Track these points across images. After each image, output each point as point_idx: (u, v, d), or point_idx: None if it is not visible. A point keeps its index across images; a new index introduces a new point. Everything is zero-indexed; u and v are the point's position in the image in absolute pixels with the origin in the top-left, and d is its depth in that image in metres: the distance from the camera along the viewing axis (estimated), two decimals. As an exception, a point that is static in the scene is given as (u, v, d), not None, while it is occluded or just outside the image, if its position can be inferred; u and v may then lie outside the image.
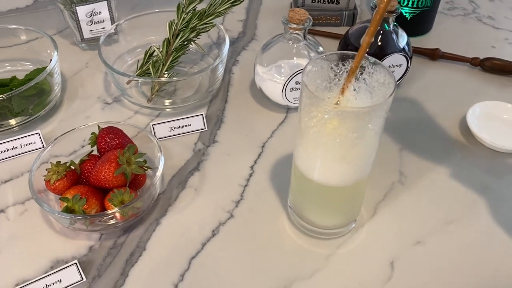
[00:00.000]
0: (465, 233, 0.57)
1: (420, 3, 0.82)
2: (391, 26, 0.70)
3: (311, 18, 0.66)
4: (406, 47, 0.71)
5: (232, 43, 0.85)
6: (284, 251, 0.55)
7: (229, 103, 0.74)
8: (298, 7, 0.89)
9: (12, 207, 0.58)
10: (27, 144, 0.64)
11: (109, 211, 0.52)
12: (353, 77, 0.44)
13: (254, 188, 0.61)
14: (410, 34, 0.85)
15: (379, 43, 0.70)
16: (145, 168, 0.58)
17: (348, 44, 0.73)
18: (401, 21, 0.84)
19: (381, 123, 0.45)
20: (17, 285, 0.50)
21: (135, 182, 0.57)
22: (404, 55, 0.71)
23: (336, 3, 0.88)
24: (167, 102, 0.72)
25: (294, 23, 0.65)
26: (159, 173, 0.55)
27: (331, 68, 0.47)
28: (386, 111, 0.44)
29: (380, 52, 0.70)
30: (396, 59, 0.71)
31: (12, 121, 0.67)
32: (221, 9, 0.73)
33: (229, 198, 0.60)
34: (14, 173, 0.62)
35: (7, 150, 0.63)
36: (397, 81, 0.74)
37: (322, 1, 0.88)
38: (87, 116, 0.71)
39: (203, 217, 0.58)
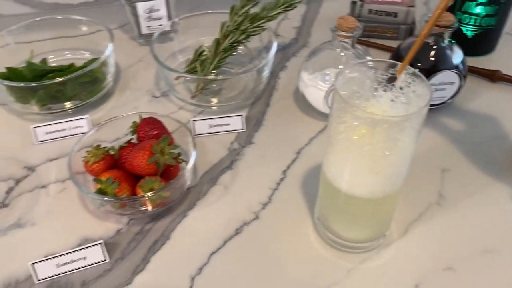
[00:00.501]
0: (501, 265, 0.53)
1: (483, 21, 0.78)
2: (445, 41, 0.67)
3: (360, 26, 0.65)
4: (461, 65, 0.68)
5: (283, 48, 0.86)
6: (305, 259, 0.53)
7: (270, 107, 0.74)
8: (354, 17, 0.88)
9: (54, 184, 0.62)
10: (75, 127, 0.68)
11: (137, 196, 0.53)
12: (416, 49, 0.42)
13: (283, 192, 0.61)
14: (470, 53, 0.81)
15: (432, 58, 0.68)
16: (179, 161, 0.59)
17: (399, 57, 0.71)
18: (461, 39, 0.80)
19: (413, 136, 0.43)
20: (46, 256, 0.52)
21: (168, 173, 0.58)
22: (457, 73, 0.68)
23: (393, 16, 0.86)
24: (210, 100, 0.74)
25: (343, 31, 0.64)
26: (189, 166, 0.56)
27: (369, 76, 0.46)
28: (419, 124, 0.42)
29: (432, 67, 0.68)
30: (448, 76, 0.68)
31: (68, 104, 0.71)
32: (273, 13, 0.74)
33: (257, 199, 0.60)
34: (60, 152, 0.66)
35: (57, 131, 0.67)
36: (449, 99, 0.71)
37: (379, 13, 0.86)
38: (134, 107, 0.74)
39: (228, 214, 0.58)
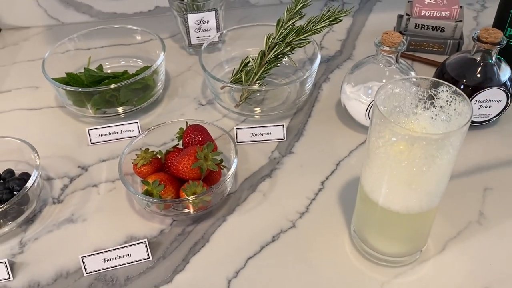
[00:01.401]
0: (543, 289, 0.51)
1: (535, 38, 0.77)
2: (493, 58, 0.67)
3: (405, 42, 0.65)
4: (508, 83, 0.67)
5: (326, 60, 0.87)
6: (339, 270, 0.54)
7: (312, 118, 0.75)
8: (400, 32, 0.88)
9: (104, 184, 0.66)
10: (126, 131, 0.72)
11: (180, 199, 0.56)
12: None
13: (321, 203, 0.62)
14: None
15: (478, 75, 0.67)
16: (221, 167, 0.62)
17: (444, 73, 0.70)
18: (509, 53, 0.79)
19: (452, 154, 0.43)
20: (94, 251, 0.56)
21: (210, 178, 0.61)
22: (504, 91, 0.66)
23: (441, 31, 0.85)
24: (254, 109, 0.76)
25: (387, 46, 0.65)
26: (230, 172, 0.59)
27: (411, 92, 0.46)
28: (458, 142, 0.43)
29: (478, 84, 0.67)
30: (494, 94, 0.67)
31: (119, 109, 0.76)
32: (319, 26, 0.76)
33: (294, 208, 0.61)
34: (111, 154, 0.70)
35: (109, 134, 0.72)
36: (494, 117, 0.70)
37: (426, 28, 0.85)
38: (181, 113, 0.78)
39: (266, 221, 0.60)
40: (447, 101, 0.45)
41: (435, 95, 0.46)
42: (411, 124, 0.46)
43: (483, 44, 0.65)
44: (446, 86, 0.45)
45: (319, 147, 0.70)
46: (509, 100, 0.68)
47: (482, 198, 0.62)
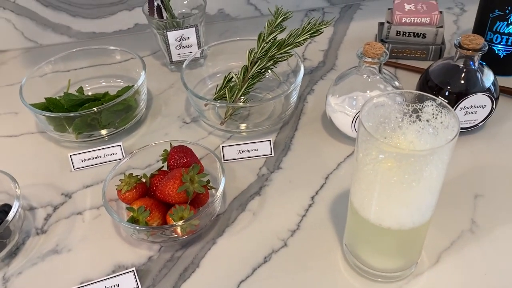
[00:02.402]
0: (539, 297, 0.51)
1: (515, 41, 0.77)
2: (476, 64, 0.67)
3: (387, 52, 0.65)
4: (492, 88, 0.67)
5: (310, 72, 0.87)
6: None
7: (298, 131, 0.74)
8: (382, 39, 0.88)
9: (89, 211, 0.64)
10: (110, 154, 0.70)
11: (167, 225, 0.55)
12: None
13: (312, 219, 0.61)
14: (502, 73, 0.80)
15: (462, 82, 0.67)
16: (209, 188, 0.60)
17: (428, 80, 0.70)
18: (493, 59, 0.79)
19: (441, 168, 0.43)
20: (82, 283, 0.54)
21: (198, 200, 0.59)
22: (488, 96, 0.66)
23: (422, 37, 0.85)
24: (239, 126, 0.75)
25: (369, 57, 0.64)
26: (218, 193, 0.57)
27: (396, 106, 0.46)
28: (447, 156, 0.42)
29: (463, 91, 0.67)
30: (479, 99, 0.67)
31: (102, 132, 0.74)
32: (300, 39, 0.75)
33: (285, 226, 0.60)
34: (95, 179, 0.69)
35: (92, 158, 0.70)
36: (480, 122, 0.69)
37: (407, 35, 0.85)
38: (166, 133, 0.76)
39: (257, 242, 0.59)
40: (433, 114, 0.45)
41: (421, 109, 0.45)
42: (397, 139, 0.45)
43: (465, 50, 0.65)
44: (431, 100, 0.45)
45: (307, 161, 0.69)
46: (494, 105, 0.68)
47: (473, 205, 0.61)
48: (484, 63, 0.68)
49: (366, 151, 0.43)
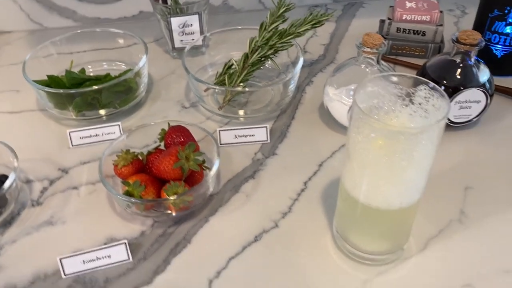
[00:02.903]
0: (523, 285, 0.52)
1: (513, 41, 0.78)
2: (472, 60, 0.68)
3: (385, 43, 0.66)
4: (487, 84, 0.68)
5: (310, 64, 0.88)
6: (321, 268, 0.54)
7: (295, 120, 0.75)
8: (383, 35, 0.89)
9: (84, 186, 0.65)
10: (108, 133, 0.71)
11: (161, 199, 0.56)
12: None
13: (303, 203, 0.62)
14: (501, 73, 0.81)
15: (458, 77, 0.68)
16: (204, 168, 0.61)
17: (425, 75, 0.71)
18: (491, 59, 0.80)
19: (431, 149, 0.43)
20: (73, 252, 0.55)
21: (192, 179, 0.60)
22: (483, 91, 0.67)
23: (422, 35, 0.86)
24: (237, 112, 0.76)
25: (368, 47, 0.65)
26: (212, 172, 0.58)
27: (390, 90, 0.46)
28: (436, 137, 0.43)
29: (458, 85, 0.68)
30: (474, 94, 0.68)
31: (101, 112, 0.75)
32: (301, 30, 0.76)
33: (277, 208, 0.61)
34: (93, 156, 0.69)
35: (90, 136, 0.71)
36: (475, 117, 0.70)
37: (407, 32, 0.87)
38: (164, 116, 0.77)
39: (249, 222, 0.60)
40: (425, 97, 0.45)
41: (414, 92, 0.46)
42: (390, 121, 0.46)
43: (462, 45, 0.66)
44: (424, 83, 0.46)
45: (302, 148, 0.70)
46: (488, 101, 0.69)
47: (463, 197, 0.62)
48: (480, 60, 0.69)
49: (358, 129, 0.44)
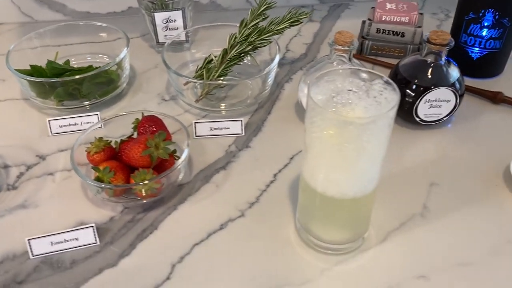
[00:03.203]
0: (474, 278, 0.53)
1: (488, 44, 0.79)
2: (443, 59, 0.69)
3: (357, 41, 0.67)
4: (457, 84, 0.70)
5: (291, 62, 0.89)
6: (282, 257, 0.56)
7: (272, 115, 0.77)
8: (363, 36, 0.91)
9: (60, 172, 0.67)
10: (87, 123, 0.73)
11: (129, 184, 0.57)
12: None
13: (271, 194, 0.63)
14: (476, 75, 0.83)
15: (429, 76, 0.70)
16: (175, 158, 0.63)
17: (397, 74, 0.73)
18: (467, 61, 0.82)
19: (382, 138, 0.45)
20: (44, 233, 0.57)
21: (163, 167, 0.62)
22: (452, 91, 0.69)
23: (401, 36, 0.88)
24: (215, 105, 0.78)
25: (339, 45, 0.67)
26: (180, 161, 0.60)
27: (347, 84, 0.48)
28: (386, 127, 0.44)
29: (428, 84, 0.69)
30: (443, 93, 0.69)
31: (83, 102, 0.77)
32: (280, 27, 0.78)
33: (245, 198, 0.63)
34: (70, 145, 0.70)
35: (70, 125, 0.73)
36: (445, 117, 0.72)
37: (387, 33, 0.88)
38: (144, 107, 0.79)
39: (216, 211, 0.61)
40: (380, 91, 0.47)
41: (370, 86, 0.48)
42: (347, 114, 0.47)
43: (432, 45, 0.68)
44: (379, 77, 0.47)
45: (275, 142, 0.72)
46: (458, 101, 0.70)
47: (428, 192, 0.63)
48: (451, 60, 0.71)
49: (311, 119, 0.46)
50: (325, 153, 0.46)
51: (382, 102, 0.46)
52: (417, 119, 0.71)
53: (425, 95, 0.69)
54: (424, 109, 0.70)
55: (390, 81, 0.46)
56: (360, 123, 0.43)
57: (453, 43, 0.67)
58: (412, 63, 0.72)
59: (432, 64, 0.69)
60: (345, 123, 0.43)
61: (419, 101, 0.69)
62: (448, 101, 0.70)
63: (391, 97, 0.46)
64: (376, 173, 0.49)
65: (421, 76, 0.70)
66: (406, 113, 0.72)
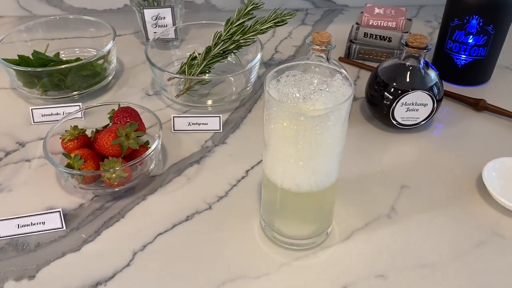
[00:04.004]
0: (432, 280, 0.53)
1: (473, 51, 0.79)
2: (421, 63, 0.69)
3: (335, 42, 0.68)
4: (435, 88, 0.69)
5: (278, 63, 0.90)
6: (243, 250, 0.56)
7: (252, 113, 0.78)
8: (351, 40, 0.91)
9: (37, 160, 0.68)
10: (68, 113, 0.74)
11: (96, 171, 0.58)
12: None
13: (241, 189, 0.64)
14: (462, 82, 0.83)
15: (407, 79, 0.70)
16: (147, 148, 0.64)
17: (376, 77, 0.73)
18: (452, 68, 0.82)
19: (334, 132, 0.45)
20: (14, 215, 0.58)
21: (134, 157, 0.63)
22: (429, 95, 0.69)
23: (388, 41, 0.88)
24: (196, 101, 0.78)
25: (317, 45, 0.67)
26: (149, 152, 0.61)
27: (309, 80, 0.48)
28: (339, 120, 0.45)
29: (406, 87, 0.69)
30: (420, 97, 0.69)
31: (68, 93, 0.79)
32: (264, 27, 0.79)
33: (214, 192, 0.63)
34: (51, 134, 0.73)
35: (52, 114, 0.74)
36: (422, 121, 0.72)
37: (374, 37, 0.88)
38: (127, 101, 0.79)
39: (184, 203, 0.62)
40: (338, 86, 0.47)
41: (330, 82, 0.48)
42: (308, 108, 0.48)
43: (410, 48, 0.68)
44: (339, 73, 0.48)
45: (251, 140, 0.72)
46: (435, 105, 0.70)
47: (397, 194, 0.63)
48: (430, 65, 0.71)
49: (267, 111, 0.46)
50: (281, 146, 0.47)
51: (338, 97, 0.47)
52: (394, 122, 0.71)
53: (401, 98, 0.69)
54: (401, 112, 0.70)
55: (348, 76, 0.47)
56: (312, 116, 0.43)
57: (431, 47, 0.67)
58: (391, 66, 0.72)
59: (410, 68, 0.69)
60: (298, 115, 0.44)
61: (396, 104, 0.69)
62: (425, 105, 0.70)
63: (348, 93, 0.46)
64: (334, 168, 0.49)
65: (399, 79, 0.70)
66: (384, 116, 0.72)
